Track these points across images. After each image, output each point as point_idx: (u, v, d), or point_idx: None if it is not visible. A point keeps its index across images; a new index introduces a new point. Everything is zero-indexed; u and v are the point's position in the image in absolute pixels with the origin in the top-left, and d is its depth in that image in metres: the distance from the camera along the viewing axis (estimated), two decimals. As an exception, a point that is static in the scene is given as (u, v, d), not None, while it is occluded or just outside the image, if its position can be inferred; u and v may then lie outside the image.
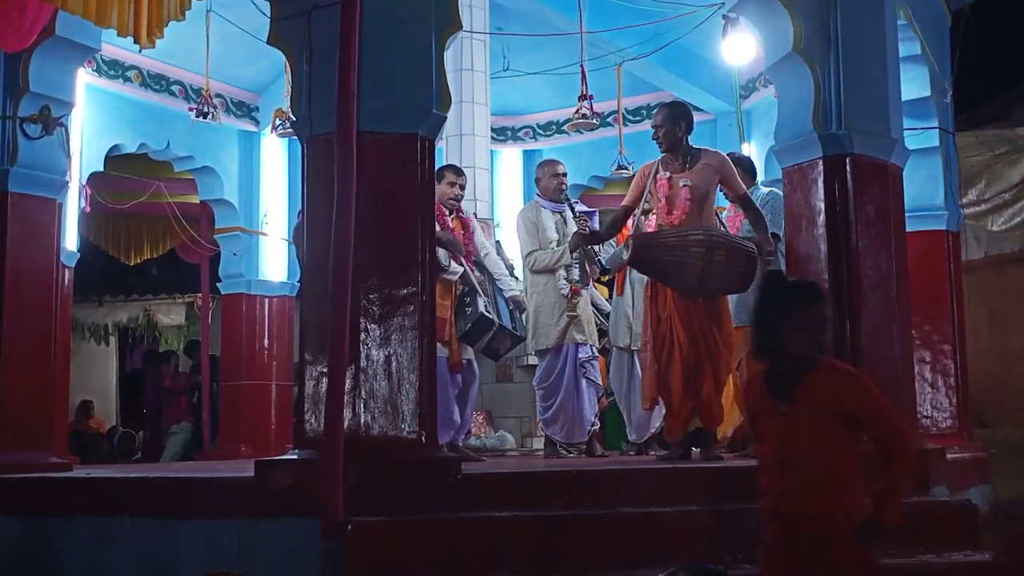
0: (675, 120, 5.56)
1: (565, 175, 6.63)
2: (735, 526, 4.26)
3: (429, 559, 3.94)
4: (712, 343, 5.36)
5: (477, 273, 6.21)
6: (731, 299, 5.98)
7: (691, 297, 5.36)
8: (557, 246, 6.43)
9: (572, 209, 6.48)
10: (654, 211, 5.69)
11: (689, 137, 5.60)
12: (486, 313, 5.98)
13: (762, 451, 2.96)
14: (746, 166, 6.37)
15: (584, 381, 6.46)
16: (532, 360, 7.50)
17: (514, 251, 9.67)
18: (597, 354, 6.62)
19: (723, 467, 5.03)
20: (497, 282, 6.37)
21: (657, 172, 5.60)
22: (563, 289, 6.41)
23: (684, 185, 5.46)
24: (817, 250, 5.04)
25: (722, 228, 5.85)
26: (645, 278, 5.76)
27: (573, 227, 6.37)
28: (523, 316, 6.43)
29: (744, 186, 5.70)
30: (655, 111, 5.81)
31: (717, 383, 5.39)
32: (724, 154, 5.69)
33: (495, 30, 8.77)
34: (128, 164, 9.51)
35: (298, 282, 7.40)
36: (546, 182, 6.61)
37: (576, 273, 6.45)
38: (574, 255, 6.37)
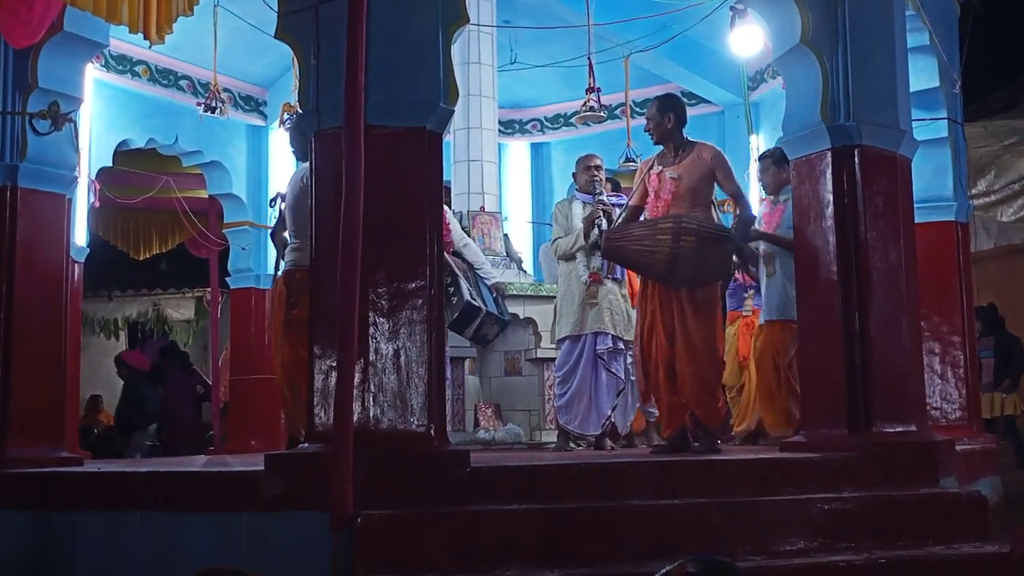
0: (663, 112, 5.57)
1: (599, 168, 6.59)
2: (743, 518, 4.26)
3: (438, 552, 3.95)
4: (694, 337, 5.31)
5: (459, 261, 6.24)
6: (779, 294, 5.97)
7: (675, 289, 5.34)
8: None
9: (603, 203, 6.35)
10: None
11: (683, 130, 5.59)
12: (472, 301, 6.02)
13: None
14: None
15: (604, 373, 6.41)
16: (541, 353, 7.50)
17: (524, 245, 9.72)
18: (622, 347, 6.45)
19: (729, 459, 5.03)
20: (478, 271, 6.40)
21: (652, 167, 5.61)
22: (583, 276, 6.43)
23: (671, 178, 5.46)
24: (825, 242, 5.03)
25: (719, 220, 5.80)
26: None
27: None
28: (505, 301, 6.46)
29: (737, 184, 5.64)
30: (648, 104, 5.79)
31: (703, 377, 5.36)
32: (718, 148, 5.66)
33: (502, 23, 8.77)
34: (137, 159, 9.54)
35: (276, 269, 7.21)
36: (579, 175, 6.64)
37: (597, 261, 6.42)
38: (590, 239, 6.32)
